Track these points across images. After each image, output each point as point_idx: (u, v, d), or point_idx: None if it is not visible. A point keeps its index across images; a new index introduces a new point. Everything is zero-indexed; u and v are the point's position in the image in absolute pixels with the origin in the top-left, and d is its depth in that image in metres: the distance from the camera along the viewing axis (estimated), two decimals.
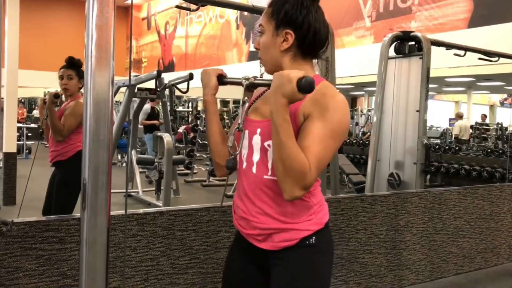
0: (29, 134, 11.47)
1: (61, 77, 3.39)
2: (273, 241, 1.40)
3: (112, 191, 1.11)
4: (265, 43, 1.44)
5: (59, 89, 3.48)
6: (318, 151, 1.28)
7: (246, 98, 1.44)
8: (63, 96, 3.48)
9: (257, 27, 1.48)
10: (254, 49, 1.54)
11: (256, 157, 1.41)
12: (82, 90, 3.43)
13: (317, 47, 1.43)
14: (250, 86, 1.43)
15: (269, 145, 1.37)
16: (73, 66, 3.40)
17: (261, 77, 3.35)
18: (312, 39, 1.41)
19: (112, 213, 1.24)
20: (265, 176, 1.38)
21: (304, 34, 1.40)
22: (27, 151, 11.02)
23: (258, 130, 1.41)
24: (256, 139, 1.41)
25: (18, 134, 9.63)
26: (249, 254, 1.48)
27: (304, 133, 1.31)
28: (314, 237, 1.40)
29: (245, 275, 1.52)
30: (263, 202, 1.39)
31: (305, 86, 1.20)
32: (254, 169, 1.41)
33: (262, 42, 1.45)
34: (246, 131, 1.44)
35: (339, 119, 1.31)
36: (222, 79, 1.52)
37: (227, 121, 9.94)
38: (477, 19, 8.44)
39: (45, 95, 3.37)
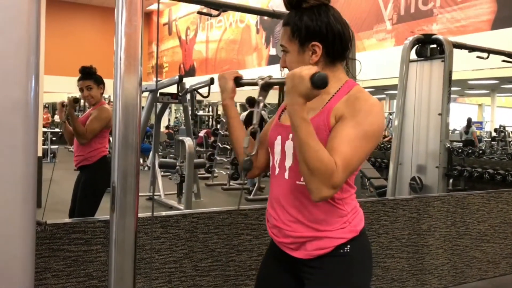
0: (54, 138, 11.72)
1: (81, 90, 3.45)
2: (306, 249, 1.38)
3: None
4: (293, 62, 1.40)
5: (79, 94, 3.54)
6: (346, 151, 1.25)
7: (260, 98, 1.42)
8: (87, 104, 3.55)
9: (278, 45, 1.44)
10: (281, 68, 1.50)
11: (288, 162, 1.40)
12: (105, 95, 3.48)
13: (345, 49, 1.41)
14: (265, 86, 1.43)
15: None
16: (89, 76, 3.44)
17: None
18: (340, 44, 1.38)
19: None
20: (298, 182, 1.37)
21: (331, 42, 1.37)
22: (52, 155, 11.25)
23: (291, 136, 1.38)
24: (289, 145, 1.39)
25: (43, 138, 9.83)
26: (283, 262, 1.47)
27: (334, 134, 1.29)
28: (348, 246, 1.37)
29: (279, 283, 1.50)
30: (295, 209, 1.37)
31: (318, 82, 1.18)
32: (286, 175, 1.40)
33: (289, 61, 1.41)
34: (279, 137, 1.43)
35: (371, 121, 1.29)
36: (238, 81, 1.54)
37: None
38: (500, 21, 8.31)
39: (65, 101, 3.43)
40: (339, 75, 1.41)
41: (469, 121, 12.60)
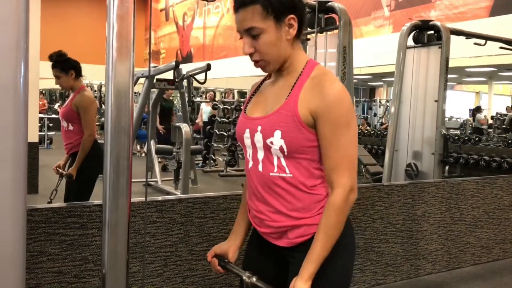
0: (50, 124, 11.66)
1: (54, 77, 3.39)
2: (288, 238, 1.39)
3: (131, 180, 1.15)
4: (269, 42, 1.32)
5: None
6: (345, 159, 1.30)
7: None
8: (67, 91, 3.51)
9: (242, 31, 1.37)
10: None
11: (260, 155, 1.38)
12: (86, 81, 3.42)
13: (304, 24, 1.37)
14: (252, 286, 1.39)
15: (271, 142, 1.33)
16: (54, 64, 3.31)
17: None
18: (304, 18, 1.36)
19: (132, 200, 1.28)
20: (271, 174, 1.36)
21: (303, 13, 1.33)
22: (49, 141, 11.22)
23: (259, 128, 1.36)
24: (258, 137, 1.37)
25: (39, 124, 9.80)
26: (266, 250, 1.48)
27: (324, 147, 1.31)
28: None
29: (263, 271, 1.50)
30: (273, 200, 1.38)
31: None
32: (260, 167, 1.39)
33: (264, 42, 1.33)
34: (247, 130, 1.40)
35: (345, 111, 1.30)
36: (224, 266, 1.54)
37: None
38: (499, 8, 8.28)
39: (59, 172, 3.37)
40: (300, 54, 1.39)
41: (478, 109, 13.46)
